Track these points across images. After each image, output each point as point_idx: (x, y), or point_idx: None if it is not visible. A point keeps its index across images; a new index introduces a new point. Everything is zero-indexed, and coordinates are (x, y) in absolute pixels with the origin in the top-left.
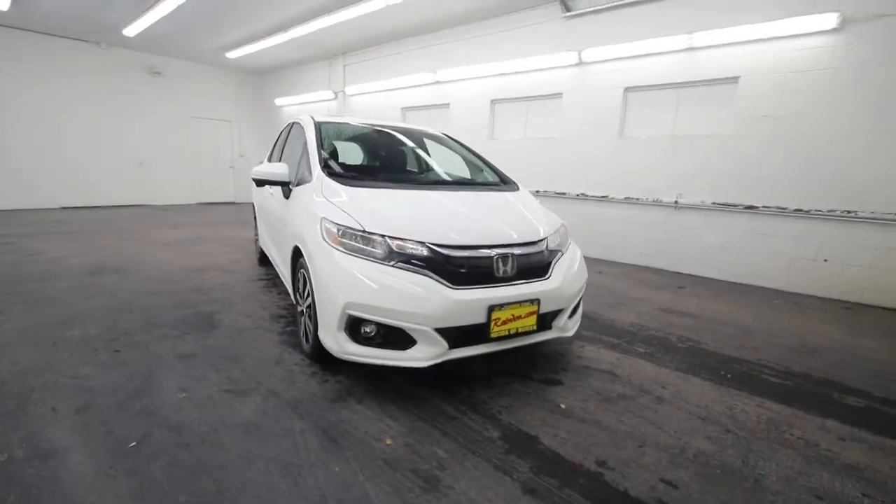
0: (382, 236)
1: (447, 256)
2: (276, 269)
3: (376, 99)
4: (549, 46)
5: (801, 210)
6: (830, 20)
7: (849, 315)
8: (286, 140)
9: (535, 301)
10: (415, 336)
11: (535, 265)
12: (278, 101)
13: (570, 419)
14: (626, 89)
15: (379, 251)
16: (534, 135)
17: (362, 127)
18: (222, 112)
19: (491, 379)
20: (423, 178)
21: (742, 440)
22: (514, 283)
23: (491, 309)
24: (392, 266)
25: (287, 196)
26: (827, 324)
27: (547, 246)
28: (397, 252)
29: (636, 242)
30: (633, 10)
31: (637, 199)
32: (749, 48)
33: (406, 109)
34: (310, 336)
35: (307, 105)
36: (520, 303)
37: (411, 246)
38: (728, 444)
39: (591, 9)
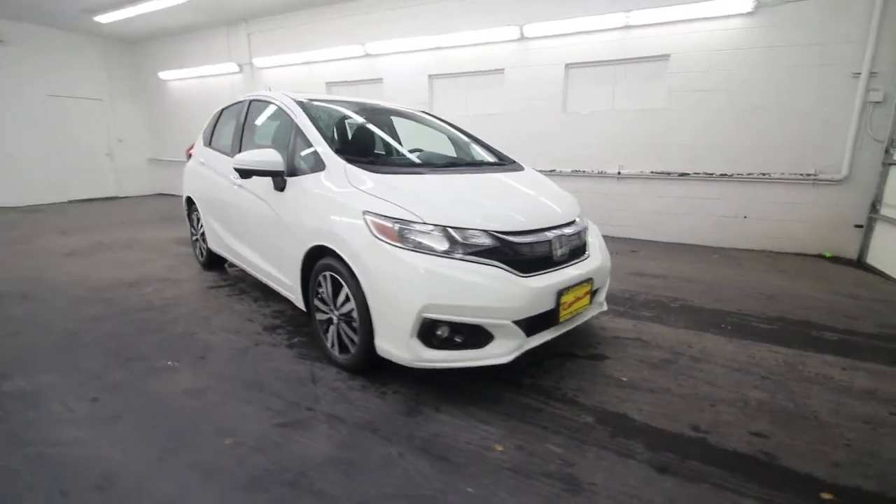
0: (444, 227)
1: (512, 243)
2: (255, 273)
3: (294, 72)
4: (489, 20)
5: (725, 175)
6: (747, 3)
7: (772, 262)
8: (243, 122)
9: (590, 280)
10: (493, 331)
11: (579, 244)
12: (164, 75)
13: (640, 391)
14: (568, 65)
15: (441, 245)
16: (476, 111)
17: (347, 105)
18: (91, 89)
19: (542, 363)
20: (437, 161)
21: (779, 384)
22: (568, 264)
23: (560, 293)
24: (460, 259)
25: (281, 188)
26: (764, 272)
27: (582, 223)
28: (461, 243)
29: (585, 212)
30: None
31: (584, 171)
32: (678, 28)
33: (331, 84)
34: (353, 346)
35: (207, 80)
36: (580, 283)
37: (475, 235)
38: (773, 389)
39: None
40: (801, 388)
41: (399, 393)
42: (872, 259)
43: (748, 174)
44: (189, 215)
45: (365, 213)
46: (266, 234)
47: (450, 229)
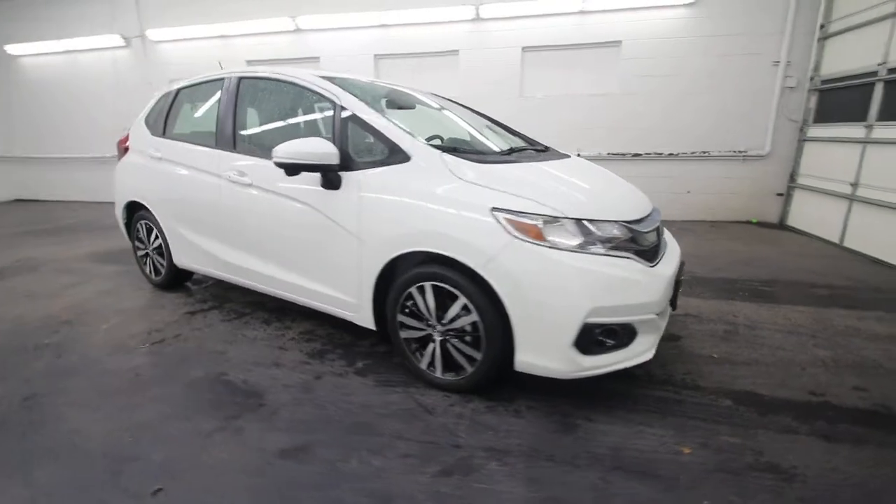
0: (580, 220)
1: (638, 233)
2: (271, 290)
3: (204, 47)
4: None
5: (672, 154)
6: None
7: (718, 231)
8: (234, 107)
9: (683, 263)
10: (638, 328)
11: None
12: (13, 49)
13: (736, 364)
14: (525, 49)
15: (575, 240)
16: None
17: (369, 87)
18: None
19: None
20: (497, 147)
21: (829, 340)
22: (663, 251)
23: (678, 281)
24: (604, 255)
25: (335, 185)
26: (726, 241)
27: None
28: (599, 237)
29: None
30: None
31: None
32: (629, 15)
33: (253, 62)
34: (472, 364)
35: (77, 56)
36: (679, 268)
37: (607, 227)
38: (829, 346)
39: None
40: (846, 341)
41: (533, 409)
42: (792, 221)
43: (691, 153)
44: (130, 224)
45: (494, 209)
46: (304, 243)
47: (585, 222)
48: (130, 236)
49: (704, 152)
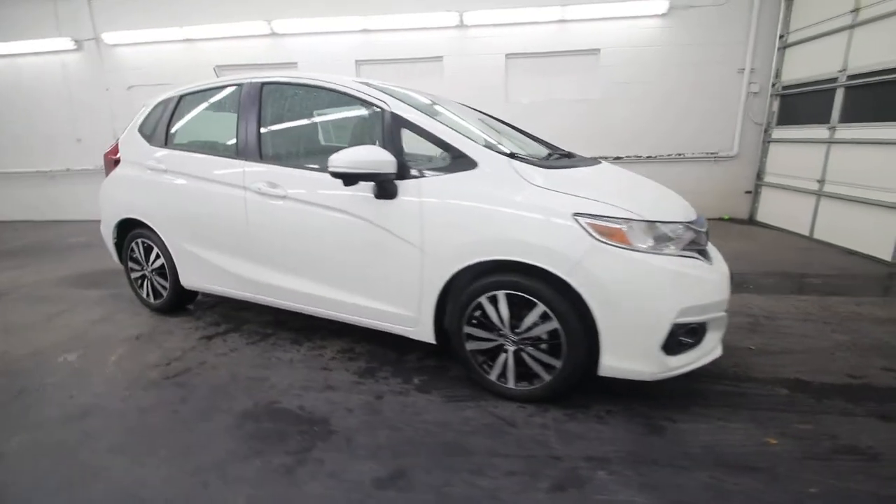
0: (654, 223)
1: (699, 233)
2: (306, 308)
3: (167, 52)
4: (425, 4)
5: (651, 157)
6: (662, 6)
7: None
8: (257, 115)
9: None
10: (709, 325)
11: None
12: None
13: (773, 354)
14: (508, 55)
15: (653, 241)
16: None
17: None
18: None
19: None
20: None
21: (842, 326)
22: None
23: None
24: (678, 256)
25: (391, 195)
26: None
27: None
28: (671, 238)
29: None
30: None
31: None
32: (607, 24)
33: (223, 68)
34: (550, 372)
35: (19, 60)
36: None
37: (677, 229)
38: (843, 331)
39: None
40: (856, 325)
41: (613, 413)
42: (761, 217)
43: (668, 155)
44: (122, 244)
45: (577, 214)
46: (351, 256)
47: (659, 225)
48: (122, 257)
49: (680, 154)
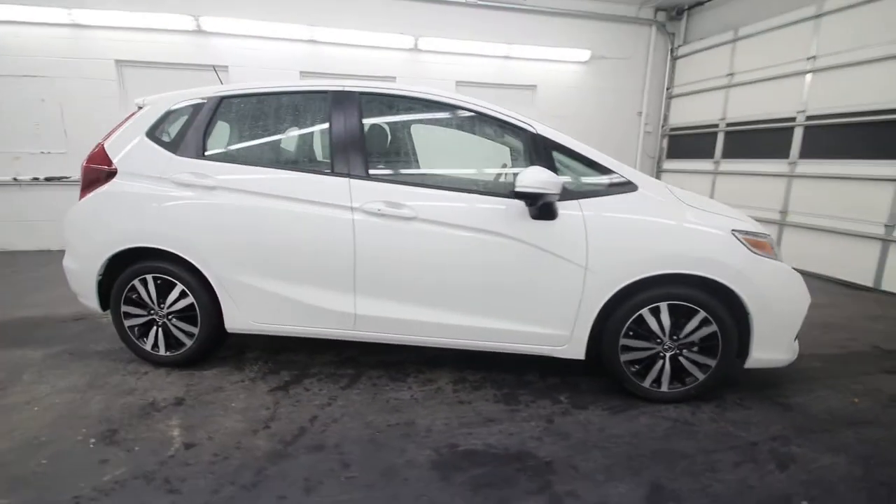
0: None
1: None
2: (432, 338)
3: (42, 37)
4: (381, 24)
5: None
6: (585, 55)
7: None
8: (331, 126)
9: None
10: None
11: None
12: None
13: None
14: (458, 83)
15: (778, 251)
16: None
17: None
18: None
19: None
20: None
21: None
22: None
23: None
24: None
25: (551, 215)
26: None
27: None
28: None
29: None
30: (457, 8)
31: None
32: (541, 65)
33: (125, 64)
34: (703, 371)
35: None
36: None
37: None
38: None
39: None
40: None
41: (747, 398)
42: None
43: None
44: (117, 284)
45: (734, 231)
46: (500, 279)
47: (772, 237)
48: (110, 301)
49: None
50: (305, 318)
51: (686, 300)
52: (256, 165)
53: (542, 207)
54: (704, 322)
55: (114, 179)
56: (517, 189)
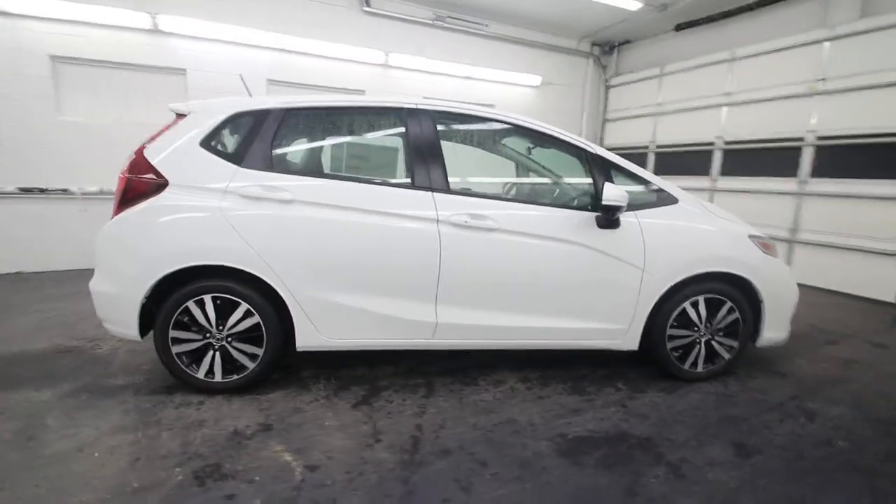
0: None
1: None
2: (510, 341)
3: None
4: (352, 37)
5: None
6: (537, 80)
7: None
8: (409, 142)
9: None
10: None
11: None
12: None
13: None
14: (424, 98)
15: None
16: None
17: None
18: None
19: None
20: None
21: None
22: None
23: None
24: None
25: (615, 225)
26: None
27: None
28: None
29: None
30: (425, 29)
31: None
32: (498, 87)
33: (62, 60)
34: (730, 352)
35: None
36: None
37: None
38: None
39: (386, 13)
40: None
41: (755, 371)
42: None
43: None
44: (167, 307)
45: (750, 235)
46: (572, 282)
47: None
48: (156, 326)
49: None
50: (385, 330)
51: (718, 293)
52: (331, 179)
53: (610, 218)
54: (730, 311)
55: (164, 192)
56: (604, 203)
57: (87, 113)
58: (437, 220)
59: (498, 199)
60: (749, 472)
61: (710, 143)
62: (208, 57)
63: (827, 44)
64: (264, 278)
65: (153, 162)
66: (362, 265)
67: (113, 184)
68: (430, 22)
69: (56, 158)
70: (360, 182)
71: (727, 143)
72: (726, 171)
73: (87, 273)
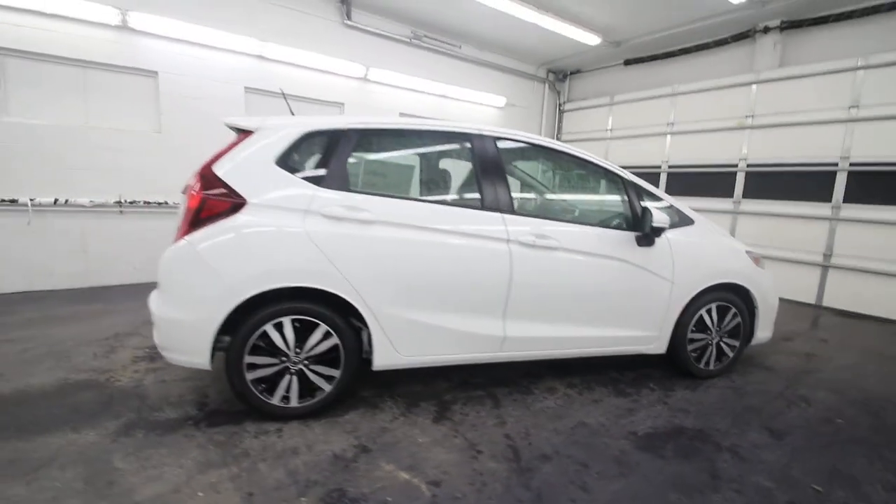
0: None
1: None
2: (562, 351)
3: None
4: (333, 49)
5: None
6: (502, 101)
7: None
8: (477, 166)
9: None
10: None
11: None
12: None
13: None
14: (401, 114)
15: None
16: None
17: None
18: None
19: None
20: None
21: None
22: None
23: None
24: None
25: (651, 243)
26: None
27: None
28: None
29: None
30: (402, 46)
31: None
32: (469, 106)
33: (8, 53)
34: (732, 351)
35: None
36: None
37: None
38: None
39: (366, 28)
40: None
41: (752, 369)
42: None
43: None
44: (243, 331)
45: (747, 251)
46: (616, 294)
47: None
48: (229, 352)
49: None
50: (458, 345)
51: (726, 301)
52: (407, 199)
53: (646, 237)
54: (734, 316)
55: (243, 212)
56: (654, 225)
57: (38, 114)
58: (508, 240)
59: (556, 219)
60: (788, 450)
61: (658, 167)
62: (183, 60)
63: (754, 86)
64: (347, 298)
65: (228, 181)
66: (440, 283)
67: (71, 193)
68: (408, 40)
69: None
70: (435, 203)
71: (671, 166)
72: (673, 191)
73: (37, 295)
